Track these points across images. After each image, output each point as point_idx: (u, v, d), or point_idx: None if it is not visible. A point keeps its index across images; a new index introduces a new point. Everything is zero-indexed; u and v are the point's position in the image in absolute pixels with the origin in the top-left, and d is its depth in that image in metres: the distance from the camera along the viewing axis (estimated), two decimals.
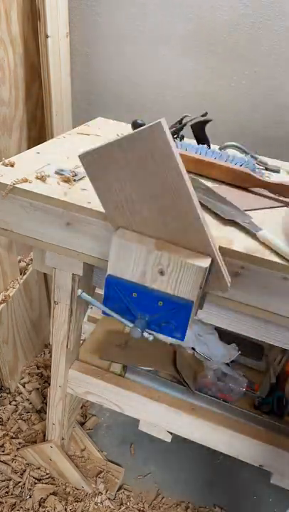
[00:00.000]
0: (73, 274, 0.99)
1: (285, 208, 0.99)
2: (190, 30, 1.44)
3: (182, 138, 1.21)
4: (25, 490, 1.35)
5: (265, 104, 1.49)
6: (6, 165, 0.96)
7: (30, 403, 1.62)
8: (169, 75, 1.53)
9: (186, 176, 0.67)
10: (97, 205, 0.84)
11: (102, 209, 0.83)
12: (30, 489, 1.35)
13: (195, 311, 0.83)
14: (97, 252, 0.88)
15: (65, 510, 1.32)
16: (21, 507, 1.31)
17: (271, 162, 1.27)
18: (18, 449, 1.45)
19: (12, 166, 0.96)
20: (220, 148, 1.21)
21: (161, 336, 1.37)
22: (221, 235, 0.82)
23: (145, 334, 0.81)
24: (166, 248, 0.74)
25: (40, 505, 1.32)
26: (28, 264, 1.67)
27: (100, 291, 1.03)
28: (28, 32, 1.43)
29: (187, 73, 1.51)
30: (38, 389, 1.66)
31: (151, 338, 0.81)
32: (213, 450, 1.15)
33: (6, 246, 1.51)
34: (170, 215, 0.71)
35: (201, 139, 1.19)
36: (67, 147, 1.14)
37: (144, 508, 1.37)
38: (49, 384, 1.25)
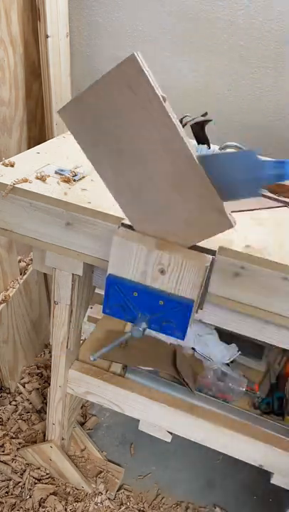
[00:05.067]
0: (73, 274, 0.99)
1: (285, 207, 0.99)
2: (190, 30, 1.44)
3: None
4: (25, 490, 1.35)
5: (266, 104, 1.49)
6: (6, 165, 0.96)
7: (30, 403, 1.62)
8: (168, 75, 1.53)
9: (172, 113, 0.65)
10: (97, 205, 0.84)
11: (102, 209, 0.83)
12: (30, 489, 1.35)
13: (195, 310, 0.83)
14: (97, 252, 0.88)
15: (65, 510, 1.32)
16: (21, 507, 1.31)
17: None
18: (18, 449, 1.45)
19: (12, 166, 0.96)
20: (220, 149, 1.21)
21: (161, 336, 1.38)
22: (221, 235, 0.82)
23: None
24: (167, 248, 0.74)
25: (40, 505, 1.32)
26: (28, 264, 1.67)
27: (100, 291, 1.03)
28: (28, 32, 1.43)
29: (187, 73, 1.51)
30: (38, 389, 1.66)
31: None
32: (213, 450, 1.15)
33: (6, 246, 1.51)
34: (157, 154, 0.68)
35: (201, 139, 1.19)
36: (67, 147, 1.14)
37: (144, 508, 1.37)
38: (49, 384, 1.25)
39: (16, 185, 0.87)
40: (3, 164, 0.96)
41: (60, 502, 1.33)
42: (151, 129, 0.66)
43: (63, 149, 1.12)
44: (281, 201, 1.01)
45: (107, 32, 1.54)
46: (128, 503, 1.38)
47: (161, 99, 0.64)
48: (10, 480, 1.37)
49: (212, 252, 0.76)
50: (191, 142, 1.18)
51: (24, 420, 1.56)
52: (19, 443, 1.47)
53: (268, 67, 1.43)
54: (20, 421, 1.55)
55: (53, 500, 1.32)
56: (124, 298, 0.79)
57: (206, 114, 1.17)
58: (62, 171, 0.96)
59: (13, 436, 1.50)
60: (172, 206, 0.72)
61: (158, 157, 0.68)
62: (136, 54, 0.61)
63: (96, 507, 1.34)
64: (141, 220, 0.76)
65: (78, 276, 1.00)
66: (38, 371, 1.74)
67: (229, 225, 0.70)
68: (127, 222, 0.79)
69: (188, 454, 1.55)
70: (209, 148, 1.15)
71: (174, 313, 0.77)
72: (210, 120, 1.17)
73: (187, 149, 0.66)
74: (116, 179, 0.73)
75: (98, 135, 0.70)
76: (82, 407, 1.64)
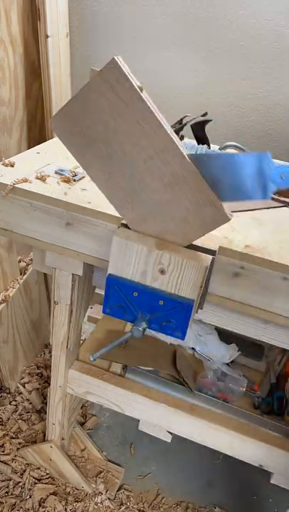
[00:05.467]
0: (73, 274, 0.99)
1: (285, 207, 0.99)
2: (190, 30, 1.44)
3: (182, 138, 1.21)
4: (25, 490, 1.35)
5: (266, 104, 1.49)
6: (6, 165, 0.96)
7: (30, 403, 1.62)
8: (168, 75, 1.53)
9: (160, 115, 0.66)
10: (97, 205, 0.84)
11: (102, 209, 0.83)
12: (30, 489, 1.35)
13: (195, 310, 0.83)
14: (97, 252, 0.88)
15: (65, 510, 1.32)
16: (21, 507, 1.31)
17: None
18: (18, 449, 1.45)
19: (12, 166, 0.96)
20: (220, 149, 1.21)
21: (161, 336, 1.38)
22: (221, 235, 0.82)
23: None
24: (167, 247, 0.74)
25: (40, 505, 1.32)
26: (28, 264, 1.67)
27: (100, 291, 1.03)
28: (28, 32, 1.43)
29: (187, 73, 1.51)
30: (38, 389, 1.66)
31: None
32: (213, 450, 1.15)
33: (6, 246, 1.51)
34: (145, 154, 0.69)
35: (201, 139, 1.19)
36: None
37: (144, 508, 1.37)
38: (49, 384, 1.25)
39: (16, 185, 0.87)
40: (3, 164, 0.96)
41: (60, 502, 1.33)
42: (138, 131, 0.67)
43: (63, 149, 1.11)
44: (281, 201, 1.01)
45: (107, 32, 1.54)
46: (128, 503, 1.38)
47: (145, 99, 0.64)
48: (10, 480, 1.37)
49: (212, 252, 0.76)
50: (191, 141, 1.18)
51: (24, 420, 1.56)
52: (19, 443, 1.47)
53: (268, 67, 1.43)
54: (20, 421, 1.55)
55: (53, 500, 1.32)
56: (124, 298, 0.79)
57: (206, 114, 1.17)
58: (62, 171, 0.96)
59: (13, 436, 1.50)
60: (167, 205, 0.72)
61: (148, 158, 0.68)
62: (116, 58, 0.62)
63: (96, 507, 1.34)
64: (137, 221, 0.76)
65: (78, 276, 1.00)
66: (38, 371, 1.74)
67: (226, 218, 0.70)
68: None
69: (188, 454, 1.56)
70: (209, 148, 1.15)
71: (174, 313, 0.77)
72: (210, 120, 1.16)
73: (176, 147, 0.66)
74: (108, 182, 0.74)
75: (87, 141, 0.71)
76: (82, 407, 1.64)
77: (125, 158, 0.70)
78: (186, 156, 0.67)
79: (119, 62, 0.62)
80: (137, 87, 0.64)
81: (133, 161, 0.70)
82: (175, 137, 0.67)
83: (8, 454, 1.43)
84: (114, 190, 0.74)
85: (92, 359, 0.91)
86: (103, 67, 0.64)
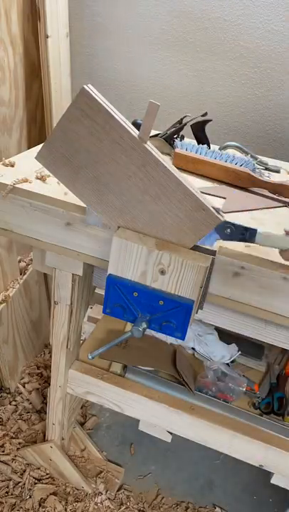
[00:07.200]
0: (73, 274, 0.99)
1: (285, 207, 0.99)
2: (190, 30, 1.44)
3: (182, 138, 1.21)
4: (25, 490, 1.35)
5: (266, 104, 1.49)
6: (6, 165, 0.96)
7: (30, 403, 1.62)
8: (169, 75, 1.53)
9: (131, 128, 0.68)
10: None
11: None
12: (30, 489, 1.35)
13: (195, 311, 0.83)
14: (97, 252, 0.88)
15: (65, 510, 1.32)
16: (21, 507, 1.31)
17: (271, 162, 1.27)
18: (18, 449, 1.45)
19: (12, 166, 0.96)
20: (220, 149, 1.21)
21: (161, 336, 1.38)
22: None
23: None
24: (167, 248, 0.74)
25: (40, 505, 1.32)
26: (28, 264, 1.67)
27: (100, 291, 1.03)
28: (28, 32, 1.43)
29: (187, 73, 1.51)
30: (38, 389, 1.66)
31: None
32: (213, 450, 1.15)
33: (6, 246, 1.51)
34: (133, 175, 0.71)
35: (201, 138, 1.19)
36: None
37: (144, 508, 1.37)
38: (49, 384, 1.25)
39: (16, 185, 0.87)
40: (3, 164, 0.96)
41: (60, 502, 1.33)
42: (118, 150, 0.69)
43: None
44: (281, 201, 1.01)
45: (107, 32, 1.54)
46: (128, 503, 1.38)
47: (119, 119, 0.67)
48: (10, 480, 1.37)
49: (212, 252, 0.76)
50: (191, 141, 1.18)
51: (24, 420, 1.56)
52: (19, 443, 1.47)
53: (268, 67, 1.42)
54: (20, 421, 1.55)
55: (53, 500, 1.32)
56: (124, 298, 0.79)
57: (206, 114, 1.17)
58: None
59: (13, 436, 1.50)
60: (159, 216, 0.74)
61: (132, 174, 0.71)
62: (86, 86, 0.66)
63: (96, 507, 1.34)
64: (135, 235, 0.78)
65: (78, 276, 1.00)
66: (38, 371, 1.74)
67: (217, 220, 0.72)
68: None
69: (188, 454, 1.56)
70: (209, 148, 1.15)
71: (174, 314, 0.77)
72: (210, 120, 1.16)
73: (157, 160, 0.69)
74: (101, 204, 0.77)
75: (74, 169, 0.74)
76: (82, 407, 1.65)
77: (112, 178, 0.73)
78: (168, 166, 0.69)
79: (88, 90, 0.65)
80: (109, 109, 0.67)
81: (119, 179, 0.72)
82: (154, 150, 0.69)
83: (8, 454, 1.43)
84: (108, 210, 0.77)
85: (90, 357, 0.91)
86: (75, 96, 0.67)
